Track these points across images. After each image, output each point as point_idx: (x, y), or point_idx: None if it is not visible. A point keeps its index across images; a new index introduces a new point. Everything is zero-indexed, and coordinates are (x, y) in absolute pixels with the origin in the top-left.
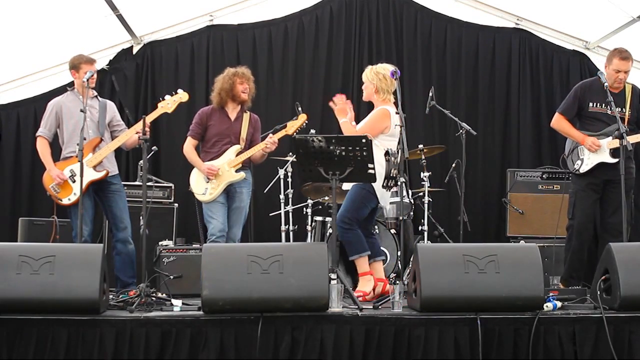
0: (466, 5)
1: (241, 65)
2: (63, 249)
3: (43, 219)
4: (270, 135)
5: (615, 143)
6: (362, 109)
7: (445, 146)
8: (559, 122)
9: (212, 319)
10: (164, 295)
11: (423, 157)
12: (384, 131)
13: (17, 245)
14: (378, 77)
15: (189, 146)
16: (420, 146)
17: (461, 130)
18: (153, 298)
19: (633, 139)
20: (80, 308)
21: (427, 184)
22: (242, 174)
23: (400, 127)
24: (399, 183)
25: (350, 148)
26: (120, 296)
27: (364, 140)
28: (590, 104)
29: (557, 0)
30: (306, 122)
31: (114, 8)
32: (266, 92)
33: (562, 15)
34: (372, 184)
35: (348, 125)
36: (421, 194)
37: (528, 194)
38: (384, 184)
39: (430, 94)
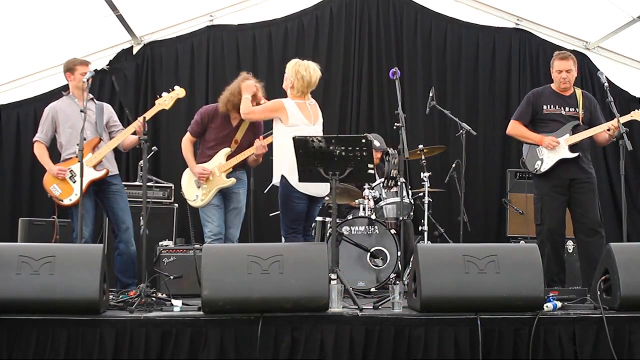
0: (466, 5)
1: (242, 70)
2: (63, 249)
3: (43, 219)
4: (260, 137)
5: (573, 139)
6: (363, 107)
7: (445, 146)
8: (515, 127)
9: (212, 319)
10: (164, 295)
11: (423, 157)
12: (283, 121)
13: (17, 245)
14: (297, 77)
15: (186, 142)
16: (420, 146)
17: (461, 131)
18: (153, 298)
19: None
20: (80, 308)
21: (427, 184)
22: (232, 180)
23: (400, 127)
24: (399, 183)
25: (350, 148)
26: (120, 296)
27: (363, 141)
28: (545, 107)
29: (557, 0)
30: None
31: (114, 8)
32: (266, 92)
33: (562, 16)
34: (287, 178)
35: (247, 102)
36: (421, 194)
37: (528, 194)
38: (384, 184)
39: (431, 94)
